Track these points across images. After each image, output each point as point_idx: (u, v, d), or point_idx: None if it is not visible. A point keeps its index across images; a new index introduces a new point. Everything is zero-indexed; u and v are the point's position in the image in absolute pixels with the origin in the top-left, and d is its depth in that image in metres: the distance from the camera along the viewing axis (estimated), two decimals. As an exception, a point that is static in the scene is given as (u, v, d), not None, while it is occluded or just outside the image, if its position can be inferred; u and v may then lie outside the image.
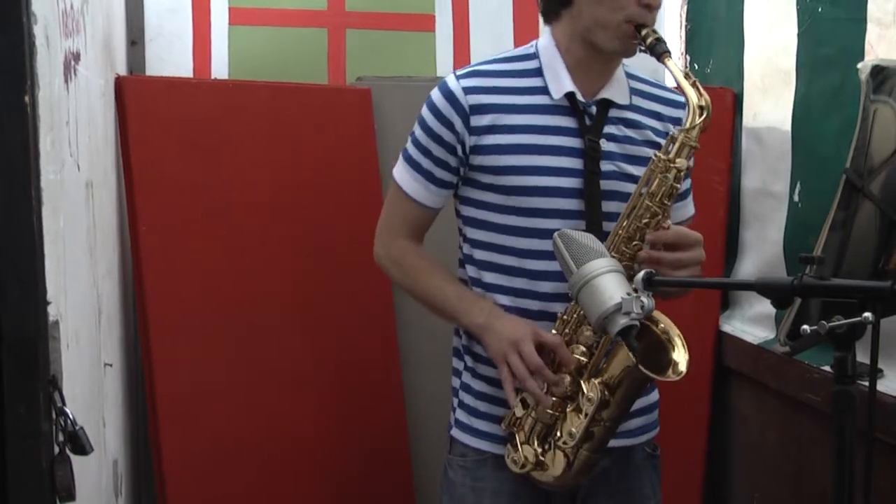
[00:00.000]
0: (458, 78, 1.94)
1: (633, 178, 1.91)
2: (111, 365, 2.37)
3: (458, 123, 1.91)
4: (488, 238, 1.96)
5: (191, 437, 2.65)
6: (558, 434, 1.86)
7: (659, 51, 1.82)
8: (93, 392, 2.03)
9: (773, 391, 2.63)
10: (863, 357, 1.39)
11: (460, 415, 2.05)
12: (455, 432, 2.05)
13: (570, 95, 1.92)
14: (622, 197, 1.90)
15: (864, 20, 2.29)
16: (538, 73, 1.95)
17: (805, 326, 1.43)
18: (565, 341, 1.86)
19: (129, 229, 2.62)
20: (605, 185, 1.91)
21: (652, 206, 1.82)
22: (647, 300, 1.59)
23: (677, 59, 3.24)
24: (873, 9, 2.27)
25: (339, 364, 2.80)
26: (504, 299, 1.95)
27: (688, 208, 2.12)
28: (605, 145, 1.91)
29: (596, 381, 1.81)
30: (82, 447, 1.51)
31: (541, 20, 2.02)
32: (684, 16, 3.25)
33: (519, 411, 1.90)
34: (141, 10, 3.05)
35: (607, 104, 1.94)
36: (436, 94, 1.95)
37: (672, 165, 1.81)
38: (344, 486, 2.84)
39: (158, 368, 2.61)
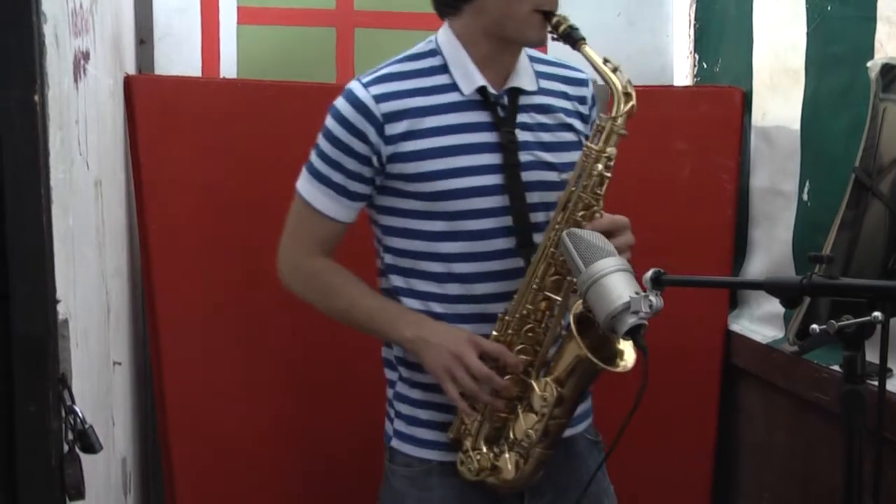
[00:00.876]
0: (365, 86, 1.86)
1: (551, 166, 1.89)
2: (120, 363, 2.37)
3: (371, 134, 1.83)
4: (413, 246, 1.90)
5: (199, 436, 2.66)
6: (511, 436, 1.85)
7: (575, 38, 1.79)
8: (102, 390, 2.04)
9: (782, 391, 2.63)
10: (872, 356, 1.39)
11: (399, 425, 2.00)
12: (395, 443, 2.00)
13: (481, 89, 1.87)
14: (544, 186, 1.88)
15: (873, 18, 2.28)
16: (444, 69, 1.89)
17: (814, 326, 1.42)
18: (508, 341, 1.84)
19: (137, 228, 2.63)
20: (526, 175, 1.87)
21: (585, 198, 1.80)
22: (655, 299, 1.58)
23: (686, 58, 3.25)
24: (883, 7, 2.26)
25: (350, 364, 2.79)
26: (438, 307, 1.90)
27: None
28: (521, 135, 1.88)
29: (549, 379, 1.81)
30: (91, 445, 1.51)
31: None
32: (693, 14, 3.25)
33: (468, 419, 1.87)
34: (150, 9, 3.05)
35: (517, 92, 1.90)
36: (342, 105, 1.86)
37: (602, 155, 1.79)
38: (354, 484, 2.83)
39: (167, 366, 2.62)
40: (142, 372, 2.86)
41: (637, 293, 1.59)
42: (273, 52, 3.16)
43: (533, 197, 1.88)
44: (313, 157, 1.93)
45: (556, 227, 1.81)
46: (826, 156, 2.48)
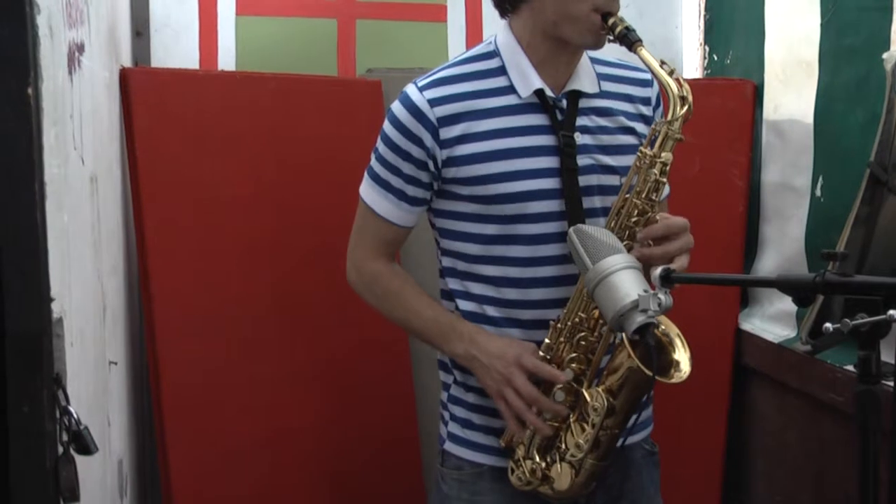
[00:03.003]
0: (420, 89, 1.89)
1: (611, 170, 1.90)
2: (116, 363, 2.37)
3: (427, 139, 1.86)
4: (469, 249, 1.93)
5: (197, 437, 2.65)
6: (563, 446, 1.85)
7: (631, 40, 1.79)
8: (97, 391, 2.04)
9: (795, 391, 2.62)
10: (887, 356, 1.39)
11: (454, 427, 2.03)
12: (449, 446, 2.03)
13: (538, 92, 1.88)
14: (604, 191, 1.89)
15: (889, 9, 2.27)
16: (502, 71, 1.90)
17: (827, 324, 1.42)
18: (560, 349, 1.84)
19: (134, 225, 2.63)
20: (585, 180, 1.88)
21: (639, 204, 1.80)
22: (664, 297, 1.58)
23: (696, 50, 3.25)
24: (899, -2, 2.26)
25: (348, 362, 2.80)
26: (493, 310, 1.93)
27: (664, 188, 2.08)
28: (580, 138, 1.88)
29: (599, 389, 1.80)
30: (87, 447, 1.51)
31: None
32: (702, 5, 3.24)
33: (520, 433, 1.89)
34: (146, 0, 3.05)
35: (577, 95, 1.91)
36: (399, 109, 1.90)
37: (657, 160, 1.79)
38: (353, 486, 2.84)
39: (164, 366, 2.62)
40: (138, 372, 2.86)
41: (645, 291, 1.60)
42: (273, 43, 3.17)
43: (593, 202, 1.90)
44: (373, 161, 1.96)
45: None
46: (840, 150, 2.48)
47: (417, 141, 1.87)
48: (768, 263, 2.88)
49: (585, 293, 1.80)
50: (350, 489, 2.83)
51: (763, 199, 2.91)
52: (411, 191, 1.92)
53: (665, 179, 1.81)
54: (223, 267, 2.69)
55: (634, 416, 1.82)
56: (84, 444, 1.51)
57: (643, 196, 1.80)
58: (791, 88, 2.73)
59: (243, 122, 2.71)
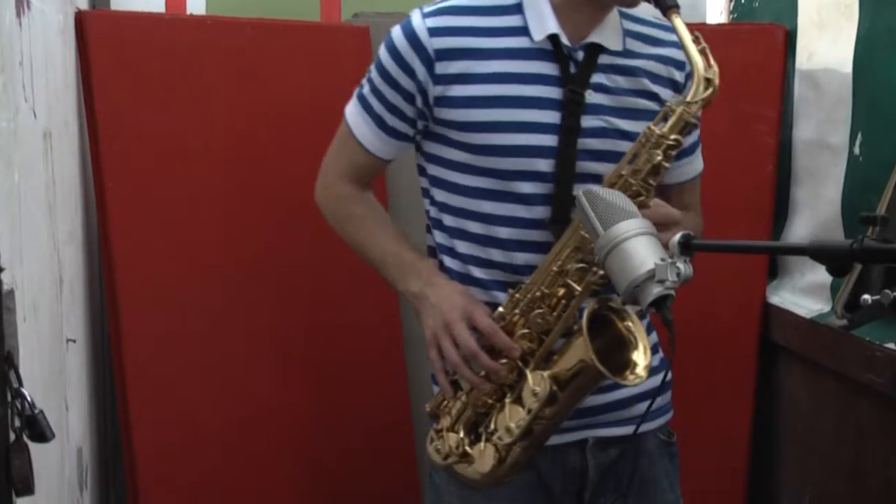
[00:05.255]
0: (424, 16, 1.88)
1: (626, 135, 1.88)
2: (74, 340, 2.38)
3: (419, 71, 1.86)
4: (458, 202, 1.93)
5: (165, 422, 2.66)
6: (492, 426, 1.86)
7: (667, 3, 1.79)
8: (53, 371, 2.04)
9: (829, 371, 2.63)
10: (932, 332, 1.39)
11: None
12: None
13: (553, 38, 1.87)
14: (610, 157, 1.87)
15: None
16: (518, 9, 1.89)
17: (866, 296, 1.42)
18: (514, 321, 1.84)
19: (93, 186, 2.62)
20: (589, 143, 1.88)
21: (634, 184, 1.79)
22: (683, 266, 1.58)
23: (720, -10, 3.23)
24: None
25: (333, 340, 2.80)
26: (478, 271, 1.93)
27: (695, 163, 2.09)
28: (592, 97, 1.87)
29: (545, 374, 1.80)
30: (42, 433, 1.51)
31: None
32: (729, -60, 3.23)
33: (449, 394, 1.91)
34: (105, -66, 3.04)
35: (597, 49, 1.89)
36: (396, 34, 1.90)
37: (664, 141, 1.78)
38: (339, 473, 2.85)
39: (128, 344, 2.62)
40: (99, 350, 2.87)
41: (663, 259, 1.59)
42: (248, -16, 3.15)
43: (593, 167, 1.88)
44: (363, 81, 1.98)
45: None
46: (881, 103, 2.47)
47: (409, 71, 1.87)
48: (800, 229, 2.88)
49: (555, 268, 1.81)
50: (336, 476, 2.84)
51: (795, 157, 2.90)
52: (390, 120, 1.93)
53: (669, 164, 1.80)
54: (193, 232, 2.68)
55: (649, 402, 1.82)
56: (39, 430, 1.51)
57: (640, 177, 1.79)
58: (827, 34, 2.72)
59: (215, 72, 2.69)
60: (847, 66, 2.60)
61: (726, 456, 3.00)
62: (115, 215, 2.60)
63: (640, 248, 1.62)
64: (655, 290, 1.59)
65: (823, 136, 2.74)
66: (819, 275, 2.69)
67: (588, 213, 1.69)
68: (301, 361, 2.80)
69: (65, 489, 2.15)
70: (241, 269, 2.72)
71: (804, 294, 2.84)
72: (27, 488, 1.49)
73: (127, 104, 2.60)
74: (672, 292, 1.60)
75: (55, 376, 2.06)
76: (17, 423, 1.49)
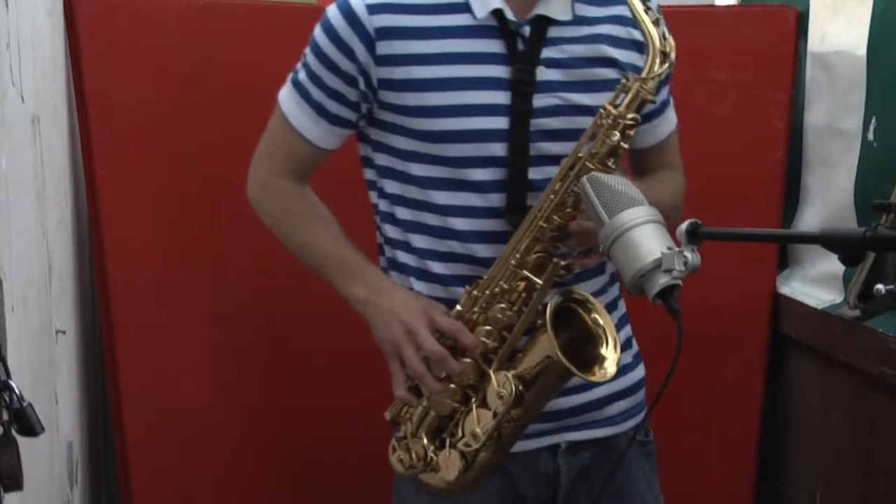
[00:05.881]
0: None
1: (585, 110, 1.83)
2: (64, 331, 2.38)
3: (359, 51, 1.81)
4: (412, 193, 1.88)
5: (157, 415, 2.67)
6: (458, 432, 1.82)
7: None
8: (43, 363, 2.04)
9: (841, 364, 2.63)
10: (947, 323, 1.39)
11: None
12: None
13: (497, 13, 1.82)
14: (567, 135, 1.82)
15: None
16: None
17: (879, 286, 1.42)
18: (474, 320, 1.81)
19: (83, 172, 2.62)
20: (544, 123, 1.83)
21: (592, 168, 1.76)
22: (691, 255, 1.57)
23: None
24: None
25: (331, 330, 2.80)
26: (436, 266, 1.88)
27: (669, 121, 2.06)
28: (543, 73, 1.82)
29: (509, 374, 1.78)
30: (31, 427, 1.51)
31: None
32: (739, -81, 3.23)
33: (412, 402, 1.87)
34: (95, -87, 3.02)
35: (545, 22, 1.84)
36: (332, 12, 1.83)
37: (621, 121, 1.75)
38: (335, 468, 2.85)
39: (119, 335, 2.62)
40: (90, 341, 2.87)
41: (670, 248, 1.59)
42: (242, -36, 3.13)
43: (548, 148, 1.84)
44: (298, 67, 1.92)
45: (552, 197, 1.77)
46: (896, 87, 2.47)
47: (348, 52, 1.82)
48: (811, 217, 2.88)
49: (513, 261, 1.78)
50: (332, 471, 2.85)
51: (806, 143, 2.90)
52: (332, 107, 1.87)
53: (626, 145, 1.77)
54: (187, 221, 2.68)
55: (624, 402, 1.82)
56: (28, 423, 1.51)
57: (596, 160, 1.76)
58: (841, 15, 2.72)
59: (208, 55, 2.69)
60: (861, 49, 2.59)
61: (735, 450, 3.00)
62: (106, 203, 2.60)
63: (647, 237, 1.62)
64: (662, 280, 1.59)
65: (836, 121, 2.73)
66: (831, 264, 2.68)
67: (593, 200, 1.68)
68: (295, 355, 2.80)
69: (55, 484, 2.16)
70: (235, 257, 2.71)
71: (816, 284, 2.83)
72: (16, 484, 1.49)
73: (118, 88, 2.60)
74: (679, 282, 1.60)
75: (44, 368, 2.06)
76: (6, 416, 1.49)
